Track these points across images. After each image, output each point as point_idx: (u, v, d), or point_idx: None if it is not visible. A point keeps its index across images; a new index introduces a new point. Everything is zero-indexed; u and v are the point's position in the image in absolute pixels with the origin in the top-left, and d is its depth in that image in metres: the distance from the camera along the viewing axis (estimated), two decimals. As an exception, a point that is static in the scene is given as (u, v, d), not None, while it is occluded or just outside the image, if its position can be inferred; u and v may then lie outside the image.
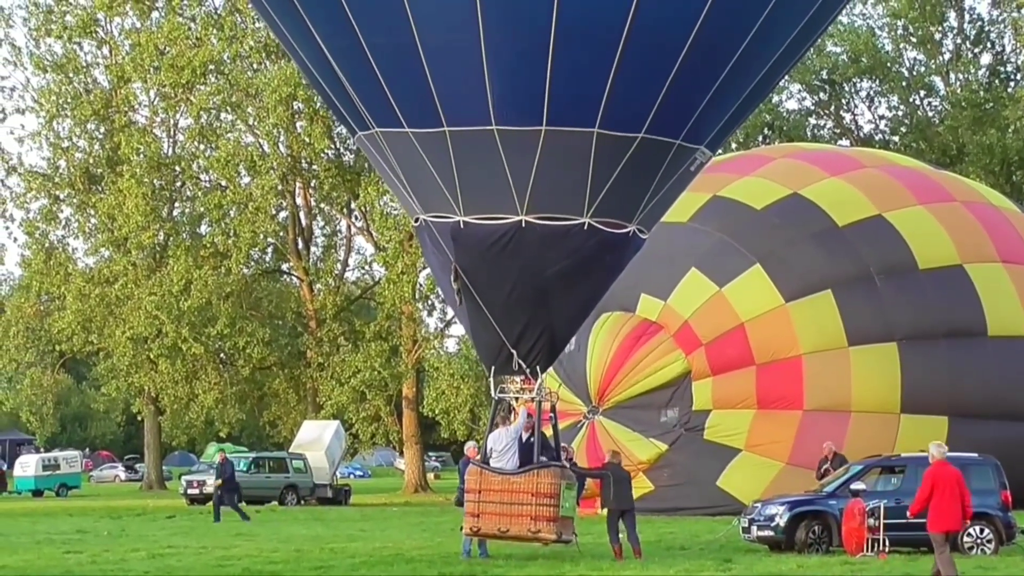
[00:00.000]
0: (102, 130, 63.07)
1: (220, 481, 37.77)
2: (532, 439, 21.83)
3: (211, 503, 46.76)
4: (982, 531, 25.09)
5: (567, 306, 21.85)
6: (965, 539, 25.04)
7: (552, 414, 22.18)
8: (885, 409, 34.46)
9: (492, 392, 22.03)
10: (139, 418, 69.35)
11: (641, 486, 34.86)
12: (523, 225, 21.00)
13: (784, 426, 34.33)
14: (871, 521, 24.05)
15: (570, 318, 22.27)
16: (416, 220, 22.25)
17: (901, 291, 35.43)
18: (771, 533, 25.14)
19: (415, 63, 20.24)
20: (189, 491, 48.34)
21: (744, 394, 34.82)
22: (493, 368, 21.89)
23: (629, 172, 20.92)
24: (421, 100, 20.57)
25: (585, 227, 21.12)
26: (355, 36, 20.49)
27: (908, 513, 19.40)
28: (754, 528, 25.49)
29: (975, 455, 26.90)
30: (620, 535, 23.49)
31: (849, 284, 35.29)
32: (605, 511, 24.47)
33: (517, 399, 21.87)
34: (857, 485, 25.24)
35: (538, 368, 21.64)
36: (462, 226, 21.29)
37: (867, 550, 23.87)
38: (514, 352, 21.46)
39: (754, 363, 34.82)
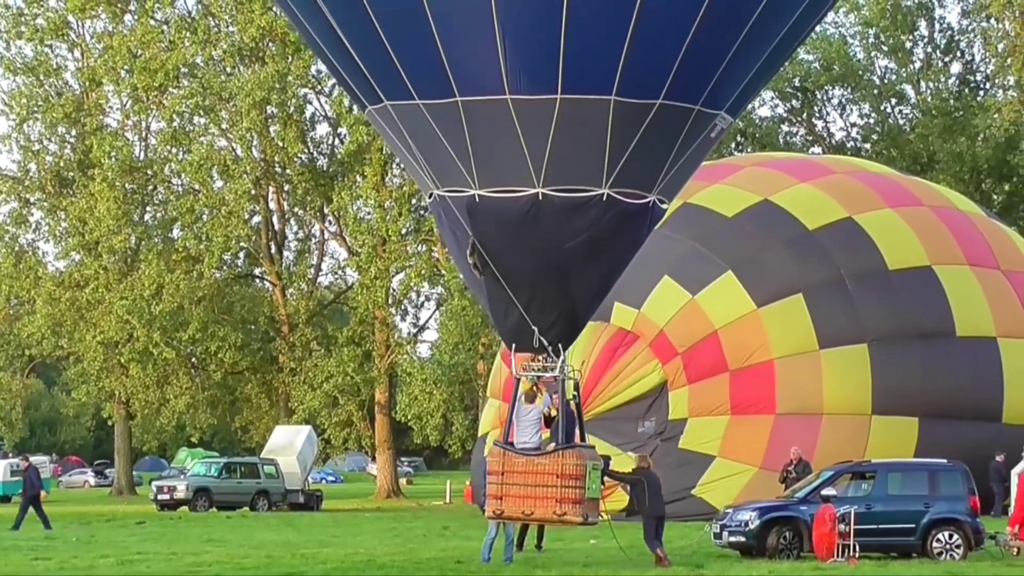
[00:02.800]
0: (73, 133, 62.86)
1: (31, 491, 36.43)
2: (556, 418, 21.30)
3: (182, 509, 46.84)
4: (951, 536, 25.22)
5: (587, 280, 21.24)
6: (934, 544, 25.20)
7: (576, 393, 21.50)
8: (856, 411, 34.62)
9: (513, 371, 21.44)
10: (109, 423, 69.06)
11: (619, 500, 34.90)
12: (540, 198, 20.46)
13: (757, 431, 34.44)
14: (842, 527, 24.13)
15: (591, 293, 21.61)
16: (430, 196, 21.67)
17: (871, 293, 35.64)
18: (743, 539, 25.19)
19: (424, 31, 19.71)
20: (159, 496, 48.13)
21: (718, 401, 34.93)
22: (514, 346, 21.29)
23: (647, 140, 20.37)
24: (432, 70, 20.01)
25: (604, 198, 20.56)
26: (361, 5, 19.94)
27: (1009, 526, 18.10)
28: (726, 533, 25.54)
29: (944, 461, 27.05)
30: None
31: (820, 287, 35.48)
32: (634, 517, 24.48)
33: (540, 378, 21.22)
34: (828, 491, 25.32)
35: (560, 345, 21.01)
36: (477, 200, 20.71)
37: (837, 556, 23.95)
38: (535, 329, 20.86)
39: (728, 369, 34.94)
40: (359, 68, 20.84)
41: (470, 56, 19.86)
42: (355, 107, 57.56)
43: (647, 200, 20.95)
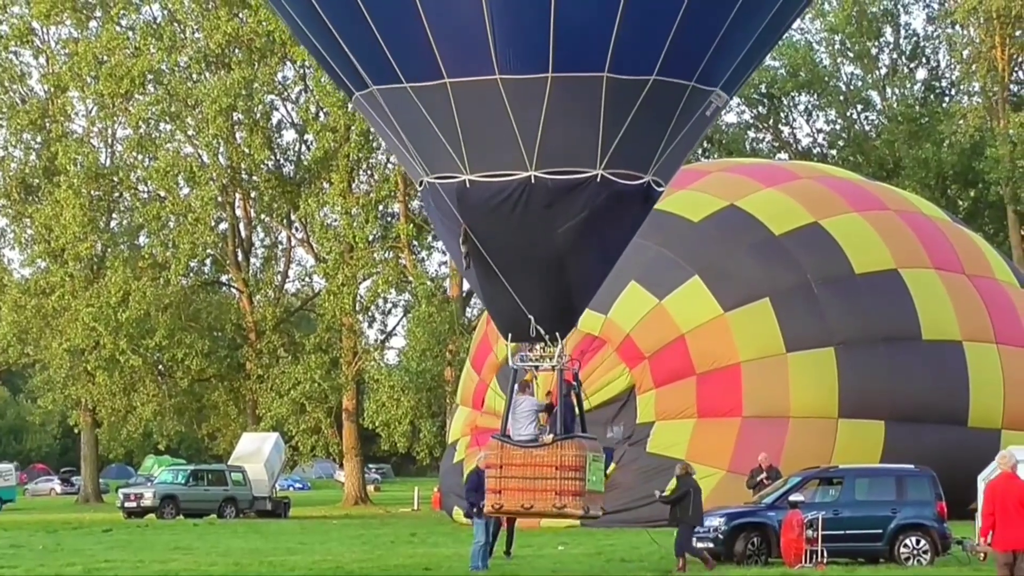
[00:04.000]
0: (38, 140, 62.61)
1: None
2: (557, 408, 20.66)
3: (149, 516, 46.63)
4: (918, 542, 25.35)
5: (583, 265, 20.60)
6: (901, 550, 25.31)
7: (576, 383, 20.89)
8: (823, 414, 34.71)
9: (510, 360, 20.89)
10: (76, 431, 68.80)
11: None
12: (532, 180, 19.83)
13: (724, 434, 34.49)
14: (809, 532, 24.21)
15: (588, 278, 20.99)
16: (420, 183, 21.08)
17: (838, 296, 35.77)
18: (711, 544, 25.23)
19: (410, 11, 19.19)
20: (126, 504, 47.93)
21: (685, 404, 35.00)
22: (510, 335, 20.66)
23: (642, 118, 19.78)
24: (418, 51, 19.45)
25: (598, 179, 19.89)
26: None
27: (979, 536, 17.73)
28: (694, 539, 25.57)
29: (912, 467, 27.18)
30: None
31: (787, 292, 35.59)
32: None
33: (536, 368, 20.54)
34: (796, 496, 25.40)
35: (557, 334, 20.35)
36: (468, 185, 20.07)
37: (805, 561, 24.03)
38: (531, 317, 20.20)
39: (694, 373, 35.00)
40: (344, 52, 20.29)
41: (457, 36, 19.35)
42: (322, 114, 57.68)
43: (642, 181, 20.36)
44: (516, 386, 20.56)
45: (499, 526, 25.63)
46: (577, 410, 20.79)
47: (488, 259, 20.32)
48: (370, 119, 21.72)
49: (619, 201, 20.23)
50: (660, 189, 20.85)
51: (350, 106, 55.81)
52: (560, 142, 19.72)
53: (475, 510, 24.21)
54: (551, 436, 20.13)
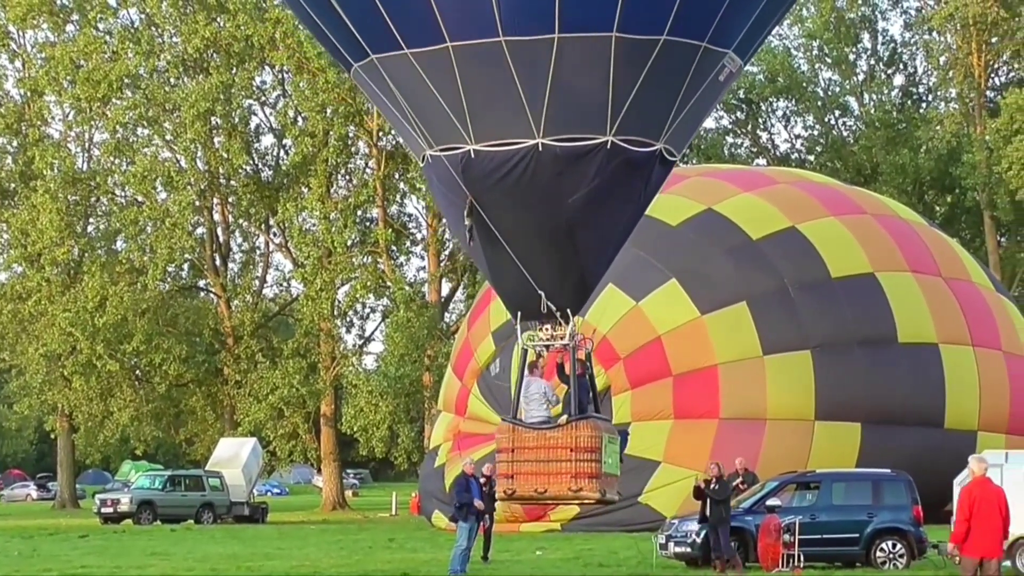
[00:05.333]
0: (15, 144, 62.42)
1: None
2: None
3: (126, 522, 46.52)
4: (894, 546, 25.45)
5: (594, 237, 19.59)
6: (878, 554, 25.39)
7: (588, 363, 19.83)
8: (800, 416, 34.81)
9: (519, 340, 19.72)
10: (52, 436, 68.58)
11: (568, 508, 34.95)
12: (539, 148, 18.83)
13: (701, 435, 34.55)
14: (786, 537, 24.27)
15: (599, 251, 19.94)
16: (422, 159, 20.13)
17: (814, 300, 35.90)
18: (688, 549, 25.29)
19: None
20: (103, 510, 47.80)
21: (661, 405, 35.08)
22: (519, 313, 19.65)
23: (653, 82, 18.82)
24: (418, 15, 18.59)
25: (608, 146, 18.91)
26: None
27: (950, 542, 17.05)
28: (671, 544, 25.64)
29: (888, 471, 27.28)
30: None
31: (764, 295, 35.71)
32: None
33: (547, 348, 19.42)
34: (773, 501, 25.46)
35: (569, 311, 19.37)
36: (472, 156, 19.10)
37: (782, 565, 24.10)
38: (542, 294, 19.20)
39: (671, 374, 35.07)
40: (342, 22, 19.42)
41: None
42: (300, 119, 57.59)
43: (654, 148, 19.36)
44: (526, 367, 19.57)
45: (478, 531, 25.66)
46: (591, 391, 19.73)
47: (495, 233, 19.33)
48: (370, 92, 20.64)
49: (631, 169, 19.31)
50: (672, 160, 19.98)
51: (328, 111, 56.04)
52: (568, 107, 18.86)
53: (460, 513, 24.23)
54: (565, 417, 19.24)
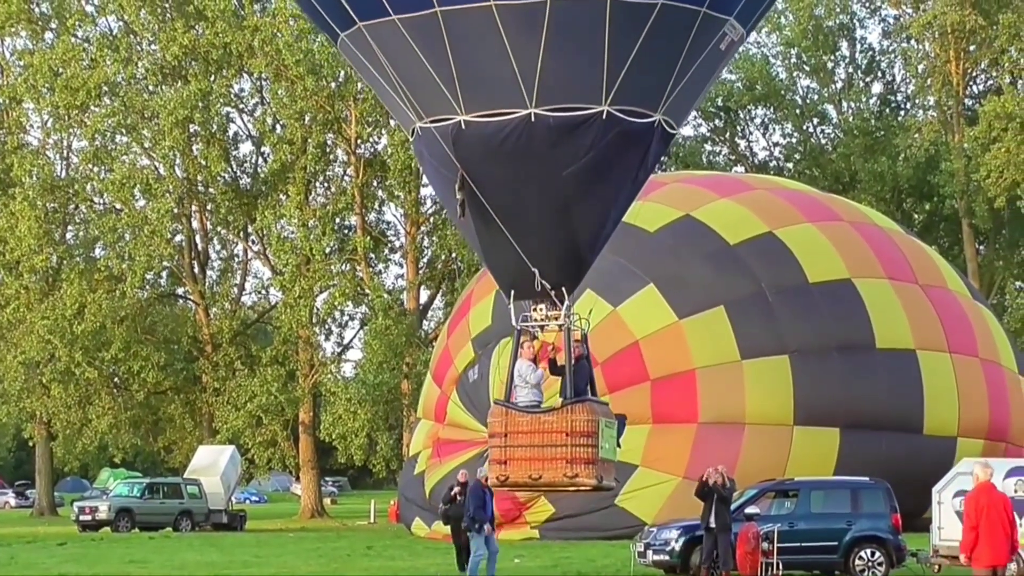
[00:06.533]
0: (-7, 152, 62.26)
1: None
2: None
3: (104, 529, 46.38)
4: (873, 554, 25.50)
5: (590, 212, 18.87)
6: (857, 562, 25.44)
7: (584, 345, 19.08)
8: (778, 421, 34.85)
9: (513, 320, 18.93)
10: (30, 443, 68.35)
11: (542, 510, 34.98)
12: (532, 119, 18.11)
13: (679, 440, 34.57)
14: (765, 545, 24.30)
15: (595, 226, 19.16)
16: (412, 132, 19.35)
17: (792, 304, 35.95)
18: (666, 557, 25.32)
19: None
20: (81, 517, 47.65)
21: (639, 410, 35.02)
22: (512, 292, 18.92)
23: (650, 49, 18.05)
24: None
25: (603, 116, 18.18)
26: None
27: (961, 553, 16.41)
28: (650, 552, 25.67)
29: (867, 479, 27.33)
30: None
31: (741, 300, 35.74)
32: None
33: (541, 328, 18.68)
34: (751, 509, 25.49)
35: (564, 289, 18.66)
36: (463, 127, 18.38)
37: (761, 574, 24.10)
38: (535, 271, 18.51)
39: (648, 379, 35.07)
40: None
41: None
42: (279, 126, 57.55)
43: (652, 119, 18.61)
44: (518, 350, 18.76)
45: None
46: (587, 373, 19.09)
47: (487, 207, 18.62)
48: (357, 64, 19.90)
49: (627, 141, 18.54)
50: (672, 132, 19.23)
51: (306, 119, 56.00)
52: (561, 75, 18.07)
53: (475, 524, 24.10)
54: (560, 400, 18.47)
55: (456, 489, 27.04)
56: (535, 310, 18.70)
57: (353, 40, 19.05)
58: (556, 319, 18.56)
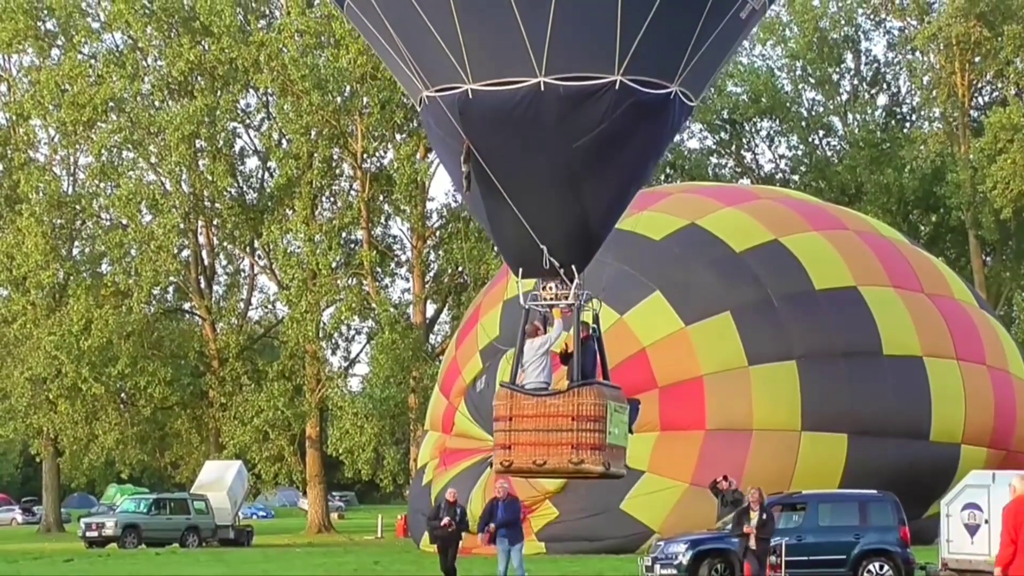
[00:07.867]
0: (0, 168, 62.30)
1: None
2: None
3: (111, 545, 46.33)
4: (882, 567, 25.44)
5: (602, 186, 17.94)
6: (865, 575, 25.38)
7: (596, 325, 18.39)
8: (786, 427, 34.81)
9: (520, 300, 18.17)
10: (37, 459, 68.34)
11: (546, 513, 34.94)
12: (542, 88, 17.21)
13: (687, 447, 34.53)
14: (773, 559, 24.23)
15: (607, 201, 18.26)
16: (419, 101, 18.46)
17: (798, 311, 35.95)
18: (674, 571, 25.25)
19: None
20: (88, 534, 47.63)
21: (647, 417, 34.90)
22: (521, 270, 18.14)
23: (666, 16, 17.06)
24: None
25: (616, 86, 17.23)
26: None
27: (996, 567, 15.74)
28: (657, 566, 25.62)
29: (875, 492, 27.27)
30: None
31: (748, 306, 35.76)
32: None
33: (550, 308, 17.97)
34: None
35: (574, 267, 17.91)
36: (470, 96, 17.52)
37: (769, 587, 24.04)
38: (543, 248, 17.73)
39: (656, 386, 35.02)
40: None
41: None
42: (285, 141, 57.60)
43: (668, 90, 17.61)
44: (525, 331, 18.01)
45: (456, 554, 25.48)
46: (598, 355, 18.25)
47: (494, 181, 17.77)
48: (364, 31, 19.00)
49: (641, 112, 17.51)
50: (690, 105, 18.27)
51: (312, 133, 56.02)
52: (573, 43, 17.23)
53: (495, 540, 23.98)
54: (567, 383, 17.72)
55: (444, 513, 26.10)
56: (545, 289, 18.01)
57: (359, 6, 18.33)
58: (565, 298, 17.86)
